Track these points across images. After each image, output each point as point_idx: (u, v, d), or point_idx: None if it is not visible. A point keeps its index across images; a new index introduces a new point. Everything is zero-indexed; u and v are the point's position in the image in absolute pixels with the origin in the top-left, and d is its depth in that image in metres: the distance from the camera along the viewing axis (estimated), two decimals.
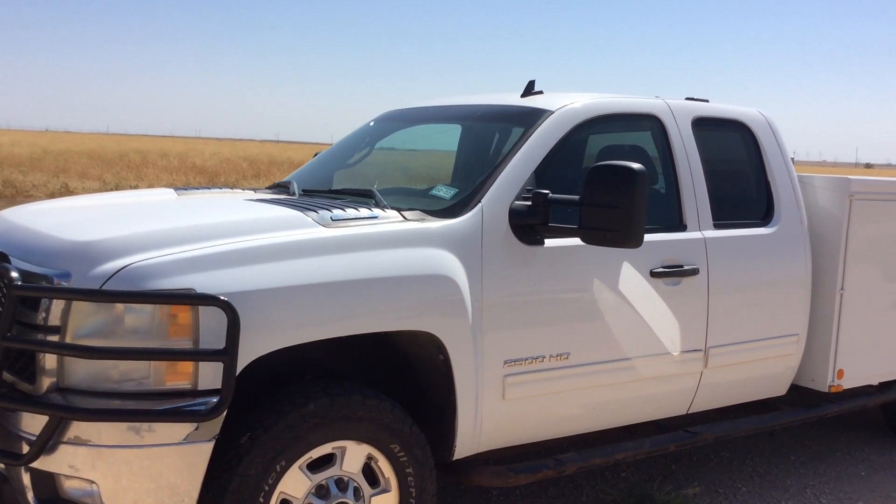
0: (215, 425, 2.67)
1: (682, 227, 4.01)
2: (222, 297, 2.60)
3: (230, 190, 4.09)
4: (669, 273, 3.86)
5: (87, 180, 24.01)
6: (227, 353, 2.59)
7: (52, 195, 18.20)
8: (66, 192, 19.83)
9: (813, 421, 4.97)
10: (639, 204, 3.21)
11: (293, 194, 3.89)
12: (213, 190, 4.04)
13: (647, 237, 3.79)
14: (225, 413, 2.66)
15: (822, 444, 5.42)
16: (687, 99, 4.51)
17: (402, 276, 3.05)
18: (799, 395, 4.76)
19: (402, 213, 3.33)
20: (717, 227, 4.12)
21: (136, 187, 21.71)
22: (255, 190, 4.20)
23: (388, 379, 3.44)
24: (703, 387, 4.11)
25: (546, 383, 3.51)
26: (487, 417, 3.36)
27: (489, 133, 4.09)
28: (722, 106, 4.46)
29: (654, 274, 3.80)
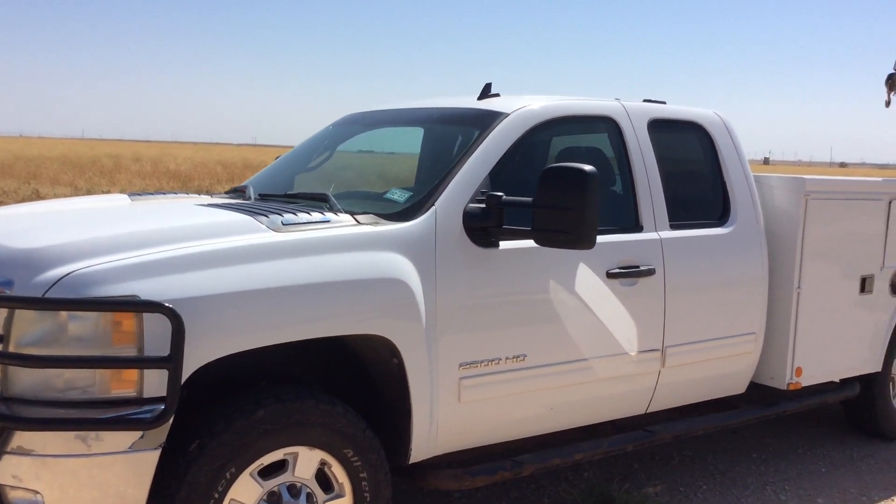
0: (161, 433, 2.65)
1: (638, 228, 4.03)
2: (166, 304, 2.58)
3: (186, 195, 4.06)
4: (626, 274, 3.88)
5: (59, 186, 23.76)
6: (172, 361, 2.57)
7: (22, 201, 18.00)
8: (37, 197, 19.59)
9: (773, 419, 5.02)
10: (590, 205, 3.23)
11: (248, 199, 3.87)
12: (168, 195, 4.01)
13: (603, 238, 3.84)
14: (171, 421, 2.64)
15: (784, 441, 5.48)
16: (644, 101, 4.55)
17: (353, 279, 3.05)
18: (759, 393, 4.81)
19: (356, 216, 3.32)
20: (674, 227, 4.16)
21: (108, 192, 21.53)
22: (211, 195, 4.18)
23: (346, 383, 3.43)
24: (662, 386, 4.14)
25: (502, 385, 3.52)
26: (443, 420, 3.37)
27: (445, 136, 4.10)
28: (678, 108, 4.50)
29: (610, 275, 3.83)
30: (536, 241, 3.36)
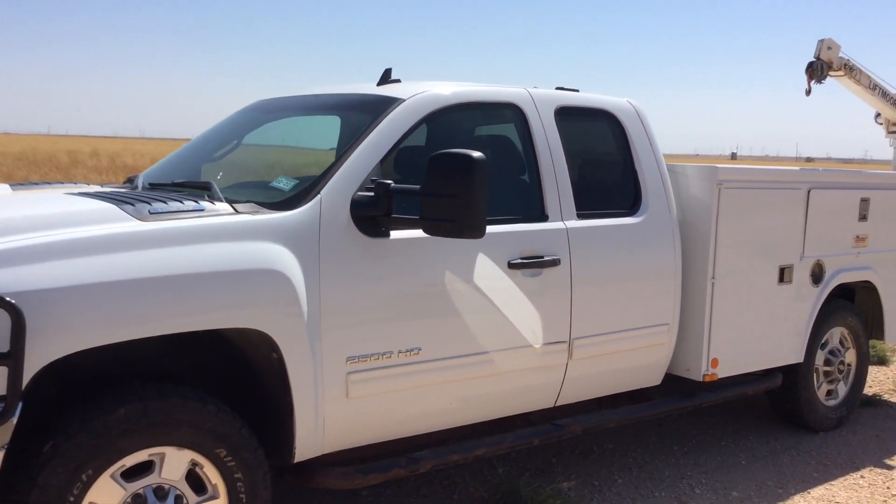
0: (4, 433, 2.50)
1: (543, 218, 3.94)
2: (6, 298, 2.43)
3: (73, 185, 3.89)
4: (529, 264, 3.78)
5: (12, 182, 23.23)
6: (11, 357, 2.42)
7: None
8: None
9: (691, 410, 4.98)
10: (478, 193, 3.12)
11: (136, 188, 3.72)
12: (53, 185, 3.85)
13: (505, 228, 3.76)
14: (15, 420, 2.49)
15: (709, 433, 5.43)
16: (557, 88, 4.46)
17: (223, 271, 2.91)
18: (678, 384, 4.75)
19: (235, 205, 3.18)
20: (581, 217, 4.07)
21: None
22: (101, 185, 4.02)
23: (231, 380, 3.30)
24: (570, 379, 4.06)
25: (395, 380, 3.40)
26: (331, 417, 3.24)
27: (341, 123, 3.97)
28: (588, 95, 4.41)
29: (512, 265, 3.73)
30: (424, 231, 3.25)
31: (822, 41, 5.60)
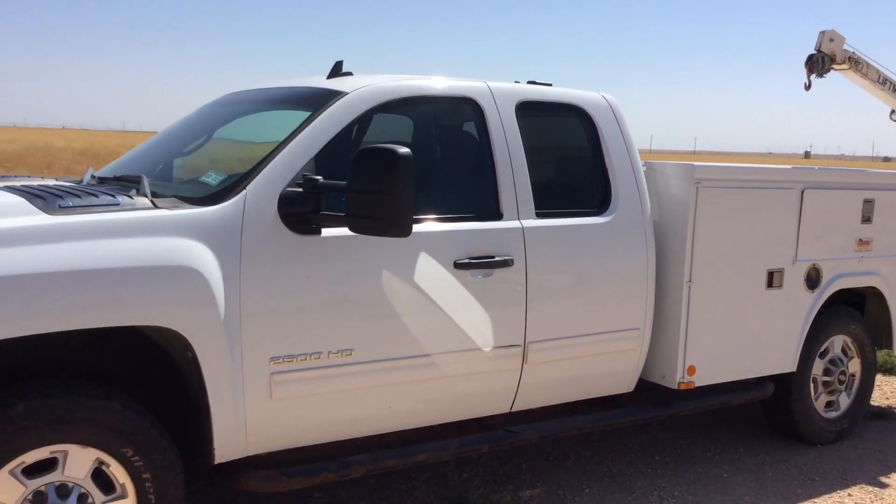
0: None
1: (497, 217, 3.79)
2: None
3: (14, 178, 3.88)
4: (477, 264, 3.64)
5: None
6: None
7: None
8: None
9: (683, 418, 4.78)
10: (402, 190, 3.01)
11: (80, 181, 3.70)
12: (14, 178, 3.85)
13: (453, 227, 3.64)
14: None
15: (696, 443, 5.21)
16: (529, 83, 4.31)
17: (131, 266, 2.85)
18: (656, 392, 4.56)
19: (155, 200, 3.12)
20: (541, 216, 3.91)
21: None
22: (56, 179, 4.01)
23: (157, 378, 3.25)
24: (527, 384, 3.90)
25: (326, 381, 3.31)
26: (254, 418, 3.17)
27: (284, 117, 3.88)
28: (557, 90, 4.25)
29: (458, 265, 3.59)
30: (350, 228, 3.15)
31: (823, 33, 5.29)
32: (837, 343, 5.30)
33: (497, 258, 3.70)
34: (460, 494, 3.99)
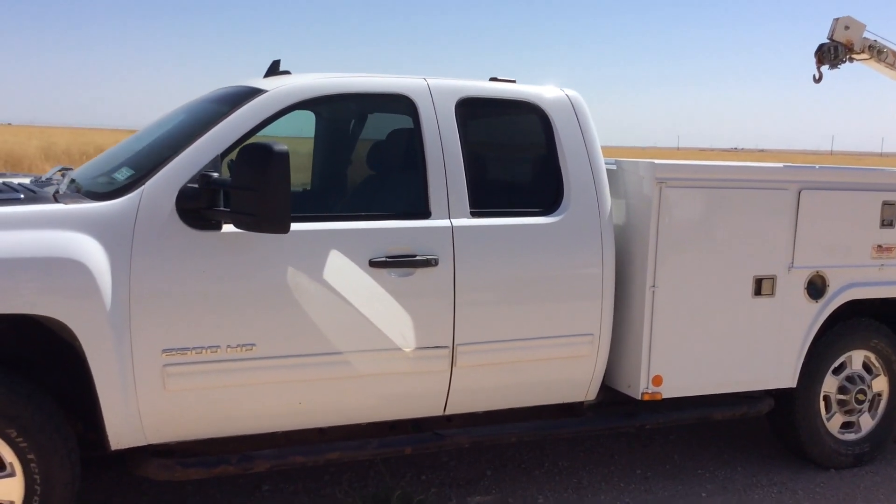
0: None
1: (425, 215, 3.72)
2: None
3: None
4: (395, 263, 3.59)
5: None
6: None
7: None
8: None
9: (631, 431, 4.52)
10: (277, 186, 3.03)
11: (39, 179, 3.94)
12: None
13: (370, 224, 3.61)
14: None
15: (693, 458, 4.90)
16: (491, 79, 4.21)
17: (17, 257, 3.00)
18: (627, 402, 4.33)
19: (57, 195, 3.28)
20: (476, 215, 3.80)
21: None
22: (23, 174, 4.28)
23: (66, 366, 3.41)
24: (460, 387, 3.80)
25: (224, 375, 3.35)
26: (147, 409, 3.26)
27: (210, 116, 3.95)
28: (506, 86, 4.10)
29: (374, 263, 3.56)
30: (234, 225, 3.19)
31: (837, 20, 4.80)
32: (856, 358, 4.82)
33: (419, 257, 3.63)
34: (382, 496, 3.94)
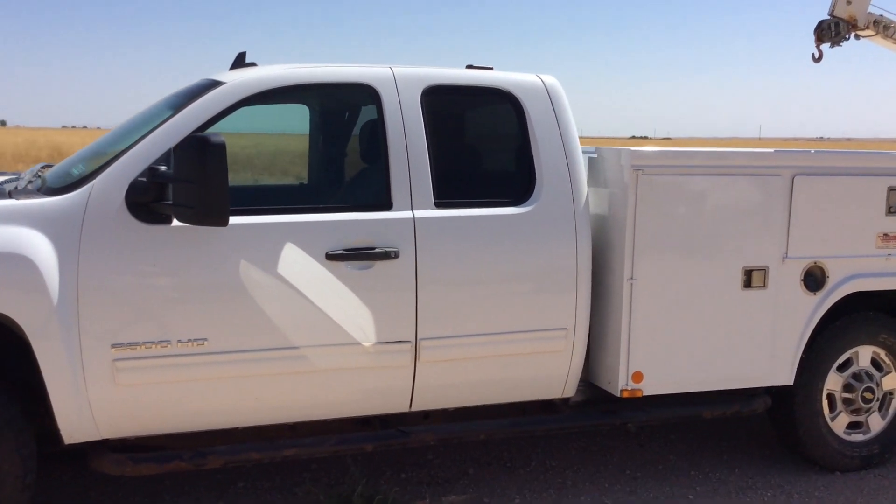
0: None
1: (386, 207, 3.64)
2: None
3: None
4: (354, 256, 3.52)
5: None
6: None
7: None
8: None
9: (607, 430, 4.35)
10: (213, 178, 3.00)
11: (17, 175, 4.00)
12: None
13: (326, 217, 3.56)
14: None
15: (689, 459, 4.71)
16: (468, 67, 4.11)
17: None
18: (609, 399, 4.17)
19: (14, 192, 3.30)
20: (442, 206, 3.70)
21: None
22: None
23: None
24: (425, 383, 3.71)
25: (175, 370, 3.33)
26: (98, 404, 3.26)
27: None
28: (481, 73, 3.99)
29: (330, 256, 3.49)
30: (176, 218, 3.17)
31: None
32: (864, 354, 4.57)
33: (378, 250, 3.56)
34: (345, 493, 3.87)
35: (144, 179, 3.27)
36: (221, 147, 2.98)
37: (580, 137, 4.04)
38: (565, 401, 4.14)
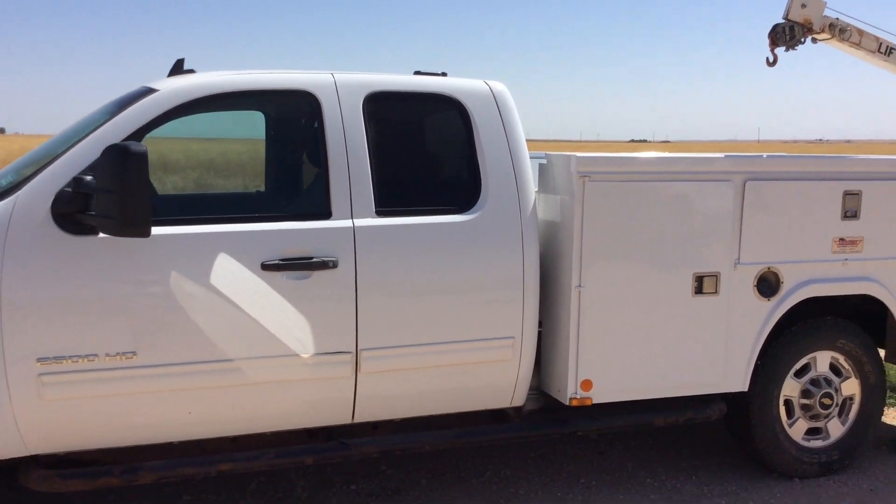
0: None
1: (325, 216, 3.57)
2: None
3: None
4: (290, 266, 3.45)
5: None
6: None
7: None
8: None
9: (557, 438, 4.29)
10: (132, 187, 2.93)
11: None
12: None
13: (261, 227, 3.50)
14: None
15: (647, 467, 4.64)
16: (415, 73, 4.05)
17: None
18: (561, 408, 4.11)
19: None
20: (383, 214, 3.64)
21: None
22: None
23: None
24: (367, 394, 3.65)
25: (104, 384, 3.26)
26: (25, 419, 3.19)
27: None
28: (422, 80, 3.92)
29: (266, 267, 3.42)
30: (100, 229, 3.09)
31: None
32: (822, 360, 4.51)
33: (315, 259, 3.49)
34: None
35: (70, 190, 3.19)
36: (142, 156, 2.91)
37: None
38: (518, 410, 4.08)
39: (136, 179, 2.91)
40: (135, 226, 2.96)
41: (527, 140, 3.94)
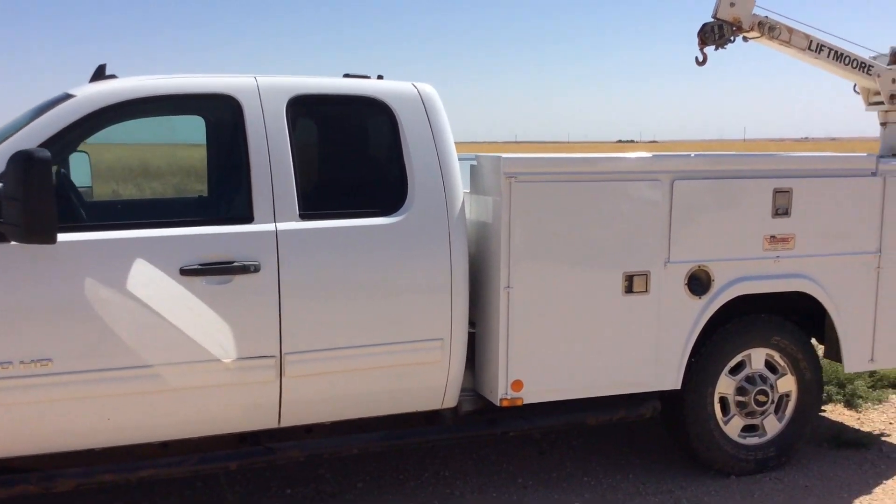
0: None
1: (247, 220, 3.56)
2: None
3: None
4: (210, 271, 3.44)
5: None
6: None
7: None
8: None
9: (485, 438, 4.31)
10: (35, 194, 2.91)
11: None
12: None
13: (180, 231, 3.48)
14: None
15: (587, 466, 4.66)
16: (344, 76, 4.04)
17: None
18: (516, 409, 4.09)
19: None
20: (307, 217, 3.63)
21: None
22: None
23: None
24: (293, 398, 3.64)
25: (19, 392, 3.23)
26: None
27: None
28: (348, 82, 3.91)
29: (185, 272, 3.41)
30: (7, 235, 3.07)
31: None
32: (757, 357, 4.54)
33: (236, 263, 3.48)
34: None
35: None
36: (45, 162, 2.89)
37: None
38: (454, 411, 4.08)
39: (39, 186, 2.89)
40: (39, 233, 2.95)
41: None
